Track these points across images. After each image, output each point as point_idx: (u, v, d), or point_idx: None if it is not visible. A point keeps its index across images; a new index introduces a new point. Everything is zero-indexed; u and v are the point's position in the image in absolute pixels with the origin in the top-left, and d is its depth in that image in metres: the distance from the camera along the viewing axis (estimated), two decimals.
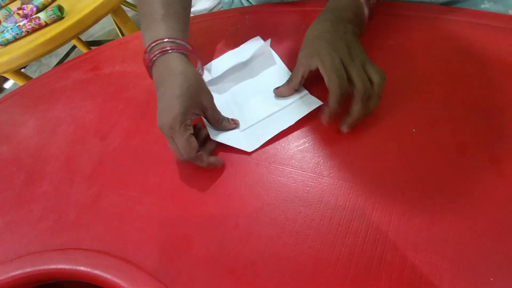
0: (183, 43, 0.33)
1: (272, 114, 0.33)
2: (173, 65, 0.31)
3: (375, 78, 0.27)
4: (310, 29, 0.31)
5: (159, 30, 0.33)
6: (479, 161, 0.24)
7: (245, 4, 0.57)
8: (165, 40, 0.32)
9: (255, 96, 0.36)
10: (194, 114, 0.31)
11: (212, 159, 0.31)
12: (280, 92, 0.33)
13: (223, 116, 0.33)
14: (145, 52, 0.33)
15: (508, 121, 0.26)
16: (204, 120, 0.34)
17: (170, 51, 0.31)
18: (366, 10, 0.32)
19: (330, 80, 0.27)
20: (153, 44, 0.32)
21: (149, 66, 0.33)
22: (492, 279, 0.20)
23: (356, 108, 0.27)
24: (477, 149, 0.25)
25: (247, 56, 0.38)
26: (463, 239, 0.21)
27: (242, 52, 0.42)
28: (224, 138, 0.33)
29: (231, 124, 0.33)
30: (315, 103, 0.32)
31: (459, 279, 0.20)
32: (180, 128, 0.29)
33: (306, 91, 0.33)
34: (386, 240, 0.23)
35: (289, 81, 0.33)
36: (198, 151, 0.30)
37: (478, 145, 0.25)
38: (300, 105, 0.32)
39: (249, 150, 0.31)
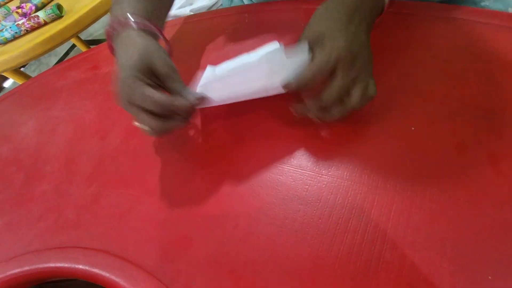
0: (144, 21, 0.31)
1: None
2: (127, 40, 0.29)
3: (353, 101, 0.25)
4: (323, 8, 0.28)
5: (124, 8, 0.31)
6: (478, 160, 0.24)
7: (246, 2, 0.56)
8: (127, 15, 0.30)
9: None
10: (149, 82, 0.28)
11: (190, 97, 0.27)
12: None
13: (186, 87, 0.29)
14: (109, 29, 0.31)
15: (508, 120, 0.26)
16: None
17: (129, 27, 0.30)
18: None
19: (307, 72, 0.26)
20: (115, 20, 0.30)
21: (110, 41, 0.32)
22: (490, 277, 0.20)
23: (310, 104, 0.26)
24: (476, 148, 0.25)
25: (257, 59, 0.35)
26: (462, 237, 0.22)
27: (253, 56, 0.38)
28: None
29: (195, 99, 0.28)
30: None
31: (458, 278, 0.20)
32: (133, 95, 0.26)
33: None
34: (385, 239, 0.23)
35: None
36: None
37: (477, 144, 0.25)
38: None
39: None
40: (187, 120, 0.29)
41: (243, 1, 0.57)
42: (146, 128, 0.28)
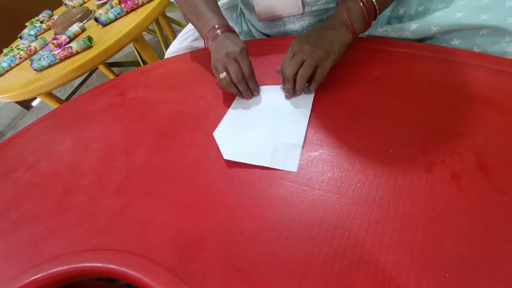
0: (228, 25, 0.48)
1: (266, 143, 0.39)
2: (228, 37, 0.45)
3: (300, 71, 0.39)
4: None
5: (210, 21, 0.48)
6: (443, 177, 0.29)
7: (256, 35, 0.64)
8: (216, 26, 0.47)
9: (272, 119, 0.42)
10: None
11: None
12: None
13: (254, 78, 0.45)
14: (205, 37, 0.48)
15: (468, 144, 0.30)
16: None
17: (220, 32, 0.46)
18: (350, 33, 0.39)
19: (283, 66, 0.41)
20: (210, 31, 0.47)
21: (209, 45, 0.48)
22: (448, 275, 0.24)
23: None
24: (441, 167, 0.30)
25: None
26: (427, 242, 0.26)
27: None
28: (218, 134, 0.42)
29: (256, 87, 0.45)
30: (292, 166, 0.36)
31: (422, 275, 0.25)
32: (246, 54, 0.43)
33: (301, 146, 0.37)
34: (364, 243, 0.28)
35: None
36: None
37: (442, 164, 0.30)
38: (283, 158, 0.37)
39: (224, 156, 0.39)
40: (243, 94, 0.45)
41: (254, 35, 0.65)
42: (226, 76, 0.43)
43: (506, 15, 0.34)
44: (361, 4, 0.38)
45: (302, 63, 0.39)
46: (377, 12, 0.39)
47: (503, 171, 0.28)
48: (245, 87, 0.44)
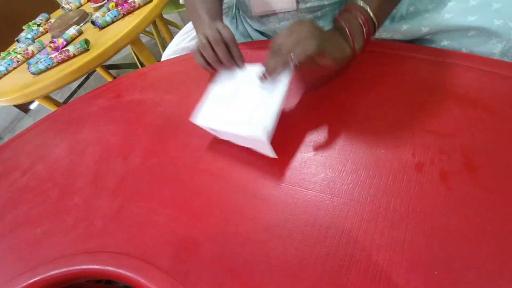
0: None
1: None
2: None
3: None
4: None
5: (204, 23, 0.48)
6: (432, 176, 0.29)
7: (251, 33, 0.65)
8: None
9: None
10: None
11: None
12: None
13: (236, 45, 0.42)
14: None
15: (456, 144, 0.31)
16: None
17: None
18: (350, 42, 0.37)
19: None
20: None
21: None
22: (436, 272, 0.24)
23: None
24: (430, 167, 0.30)
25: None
26: (416, 241, 0.26)
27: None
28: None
29: (239, 55, 0.42)
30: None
31: (411, 273, 0.25)
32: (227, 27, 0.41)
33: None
34: (356, 242, 0.28)
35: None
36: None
37: (431, 163, 0.30)
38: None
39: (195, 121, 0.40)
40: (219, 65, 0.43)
41: (249, 34, 0.65)
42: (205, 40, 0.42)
43: (493, 17, 0.35)
44: (360, 20, 0.36)
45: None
46: (376, 27, 0.37)
47: (490, 171, 0.28)
48: (224, 52, 0.40)
